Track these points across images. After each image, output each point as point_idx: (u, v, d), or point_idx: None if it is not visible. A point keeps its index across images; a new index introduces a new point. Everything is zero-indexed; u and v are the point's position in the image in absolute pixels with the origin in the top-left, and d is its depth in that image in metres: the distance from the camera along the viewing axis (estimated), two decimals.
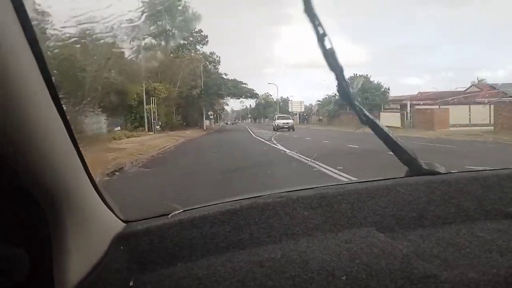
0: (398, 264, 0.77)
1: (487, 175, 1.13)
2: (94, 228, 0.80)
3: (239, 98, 46.91)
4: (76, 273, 0.70)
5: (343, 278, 0.74)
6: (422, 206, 1.02)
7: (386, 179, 1.15)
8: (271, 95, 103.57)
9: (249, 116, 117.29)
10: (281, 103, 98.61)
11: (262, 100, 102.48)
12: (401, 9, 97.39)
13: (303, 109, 61.22)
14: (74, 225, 0.71)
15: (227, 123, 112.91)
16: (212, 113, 67.50)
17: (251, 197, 1.05)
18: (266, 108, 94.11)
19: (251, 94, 45.95)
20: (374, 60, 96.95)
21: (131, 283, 0.79)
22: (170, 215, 0.96)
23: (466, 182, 1.09)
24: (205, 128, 42.53)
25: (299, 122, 60.78)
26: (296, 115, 78.85)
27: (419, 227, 0.97)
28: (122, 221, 0.95)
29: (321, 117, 53.30)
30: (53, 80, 0.61)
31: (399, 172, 1.20)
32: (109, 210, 0.89)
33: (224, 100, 61.38)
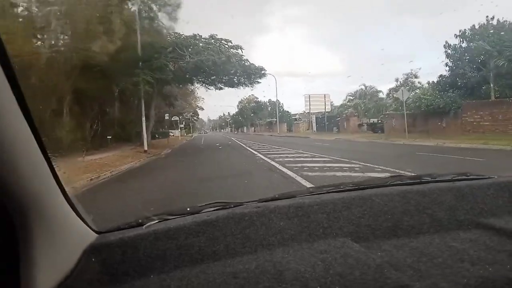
0: (372, 274, 0.77)
1: (460, 186, 1.15)
2: (65, 239, 0.78)
3: (220, 88, 23.28)
4: (44, 285, 0.68)
5: None
6: (396, 216, 1.02)
7: (362, 189, 1.15)
8: (256, 97, 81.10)
9: (232, 123, 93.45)
10: (269, 107, 76.28)
11: (247, 104, 79.62)
12: (378, 19, 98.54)
13: (328, 109, 37.90)
14: (43, 235, 0.69)
15: (204, 133, 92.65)
16: (176, 118, 43.97)
17: (228, 207, 1.05)
18: (256, 112, 70.97)
19: (251, 73, 21.83)
20: (349, 68, 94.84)
21: None
22: (145, 225, 0.95)
23: (440, 192, 1.11)
24: (146, 148, 18.71)
25: (315, 131, 37.63)
26: (297, 120, 56.89)
27: (393, 237, 0.97)
28: (95, 231, 0.93)
29: (372, 120, 30.27)
30: (20, 87, 0.60)
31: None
32: (80, 221, 0.87)
33: (193, 89, 37.95)
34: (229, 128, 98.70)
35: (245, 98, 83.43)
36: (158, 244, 0.88)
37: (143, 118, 19.12)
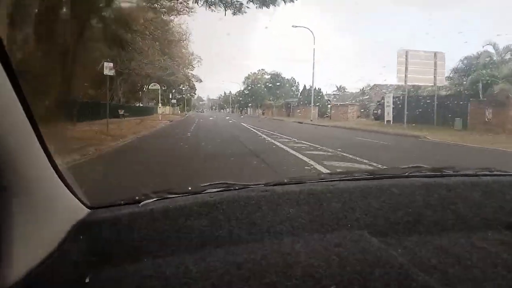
0: (395, 275, 0.68)
1: (488, 181, 1.08)
2: (51, 213, 0.71)
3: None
4: (24, 263, 0.62)
5: (332, 287, 0.66)
6: (418, 211, 0.94)
7: (379, 178, 1.08)
8: (267, 72, 64.01)
9: (235, 103, 76.29)
10: (282, 81, 59.20)
11: (259, 76, 62.68)
12: (382, 8, 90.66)
13: (442, 81, 20.01)
14: (24, 208, 0.63)
15: (201, 112, 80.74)
16: (155, 85, 27.25)
17: (232, 189, 0.98)
18: (274, 90, 53.74)
19: None
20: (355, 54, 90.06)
21: (87, 279, 0.68)
22: (141, 203, 0.88)
23: (465, 187, 1.04)
24: None
25: (390, 121, 21.22)
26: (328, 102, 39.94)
27: (414, 233, 0.88)
28: (87, 206, 0.86)
29: None
30: (8, 55, 0.57)
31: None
32: (70, 194, 0.80)
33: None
34: (230, 109, 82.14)
35: (252, 73, 66.96)
36: (155, 224, 0.81)
37: None
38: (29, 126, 0.63)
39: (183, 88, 57.83)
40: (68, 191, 0.79)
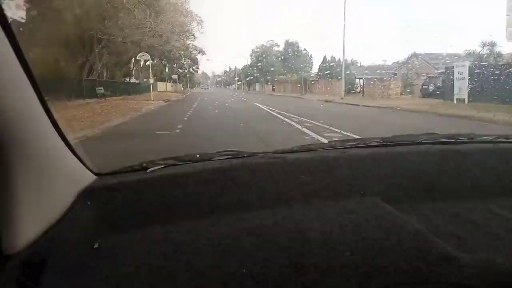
0: (411, 241, 0.67)
1: (504, 148, 1.07)
2: (58, 179, 0.70)
3: None
4: (31, 229, 0.61)
5: (347, 253, 0.63)
6: (433, 178, 0.93)
7: (392, 145, 1.05)
8: (277, 44, 57.14)
9: (242, 79, 69.54)
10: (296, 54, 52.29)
11: (264, 54, 55.75)
12: None
13: None
14: (31, 174, 0.62)
15: (205, 88, 76.41)
16: (145, 55, 20.95)
17: (241, 156, 0.96)
18: (289, 61, 46.95)
19: None
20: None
21: (96, 245, 0.68)
22: (149, 170, 0.88)
23: (482, 154, 1.03)
24: None
25: (465, 99, 14.97)
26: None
27: (429, 200, 0.87)
28: (94, 173, 0.85)
29: None
30: (15, 36, 0.56)
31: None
32: (77, 160, 0.79)
33: None
34: (235, 85, 75.66)
35: (260, 45, 60.07)
36: (163, 191, 0.82)
37: None
38: (36, 97, 0.62)
39: (184, 62, 51.65)
40: (75, 157, 0.77)
